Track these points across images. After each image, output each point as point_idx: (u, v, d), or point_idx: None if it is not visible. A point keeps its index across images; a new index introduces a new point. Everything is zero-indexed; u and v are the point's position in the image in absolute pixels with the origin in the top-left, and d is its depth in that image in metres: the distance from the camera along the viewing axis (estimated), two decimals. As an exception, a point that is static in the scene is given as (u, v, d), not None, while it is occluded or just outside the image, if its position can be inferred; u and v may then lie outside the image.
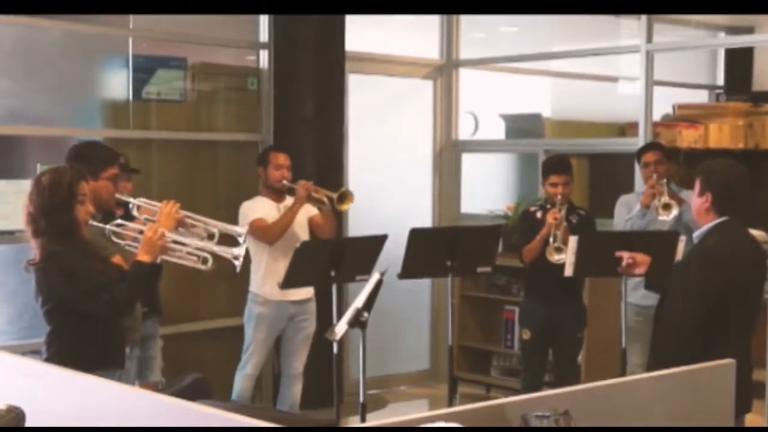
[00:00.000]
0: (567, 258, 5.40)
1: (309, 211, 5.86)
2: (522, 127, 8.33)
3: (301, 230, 5.78)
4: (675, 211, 5.58)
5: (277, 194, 5.82)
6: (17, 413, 2.18)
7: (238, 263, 4.30)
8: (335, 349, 4.98)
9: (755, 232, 4.88)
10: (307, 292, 5.85)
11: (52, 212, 3.63)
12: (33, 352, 3.77)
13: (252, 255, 5.59)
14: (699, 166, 4.56)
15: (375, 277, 4.65)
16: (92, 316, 3.73)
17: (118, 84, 6.44)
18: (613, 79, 8.61)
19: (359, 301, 4.56)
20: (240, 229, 4.67)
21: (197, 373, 4.25)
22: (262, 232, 5.61)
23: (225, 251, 4.21)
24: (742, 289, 4.06)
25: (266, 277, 5.74)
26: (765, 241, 5.77)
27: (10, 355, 2.97)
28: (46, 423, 2.37)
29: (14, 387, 2.43)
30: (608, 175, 7.80)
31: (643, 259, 4.76)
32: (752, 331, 4.23)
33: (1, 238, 5.68)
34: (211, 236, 4.37)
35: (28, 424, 2.22)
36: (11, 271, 5.20)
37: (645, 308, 5.46)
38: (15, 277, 5.01)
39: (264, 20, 6.87)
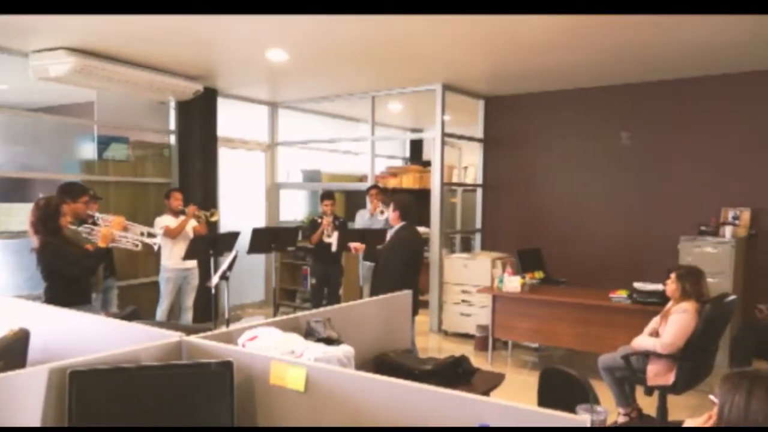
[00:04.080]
0: (333, 241, 5.85)
1: (192, 222, 5.84)
2: (310, 176, 8.46)
3: (188, 231, 5.76)
4: (385, 215, 5.66)
5: (175, 214, 5.76)
6: (25, 332, 2.18)
7: (156, 247, 4.84)
8: (213, 291, 5.19)
9: (421, 229, 5.29)
10: (192, 263, 5.81)
11: (45, 220, 3.68)
12: (35, 298, 3.69)
13: (162, 245, 5.49)
14: (394, 196, 5.28)
15: (233, 253, 5.03)
16: (71, 277, 3.76)
17: (89, 150, 6.46)
18: (356, 153, 8.81)
19: (225, 266, 4.96)
20: (157, 231, 5.23)
21: (134, 306, 4.15)
22: (169, 233, 5.62)
23: (149, 241, 4.69)
24: (417, 255, 4.54)
25: (169, 256, 5.75)
26: (425, 233, 6.57)
27: (22, 300, 2.87)
28: (43, 339, 2.27)
29: (24, 318, 2.34)
30: (354, 200, 7.98)
31: (360, 246, 4.92)
32: (419, 276, 4.65)
33: (18, 234, 5.68)
34: (142, 234, 4.87)
35: (32, 341, 2.19)
36: (23, 253, 4.60)
37: (370, 268, 5.48)
38: (25, 257, 4.60)
39: (172, 116, 6.87)
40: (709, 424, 1.61)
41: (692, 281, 3.76)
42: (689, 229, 5.95)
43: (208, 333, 2.04)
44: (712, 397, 1.59)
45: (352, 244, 5.04)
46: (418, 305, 4.60)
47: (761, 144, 5.91)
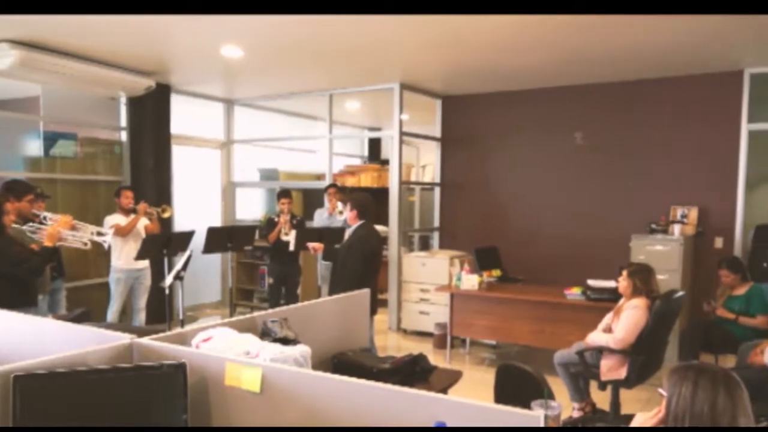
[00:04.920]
0: (291, 240, 5.68)
1: (144, 221, 5.74)
2: (268, 174, 8.37)
3: (140, 230, 5.69)
4: (345, 215, 5.22)
5: (126, 212, 5.66)
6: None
7: (106, 245, 4.70)
8: (167, 292, 5.17)
9: (380, 227, 5.27)
10: (144, 263, 5.71)
11: None
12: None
13: (112, 244, 5.38)
14: (351, 195, 5.04)
15: (188, 253, 4.97)
16: (15, 277, 3.68)
17: (34, 147, 6.33)
18: (314, 152, 8.83)
19: (179, 266, 4.86)
20: (107, 230, 4.96)
21: (83, 308, 4.32)
22: (119, 231, 5.48)
23: (98, 239, 4.54)
24: (375, 254, 4.48)
25: (120, 256, 5.64)
26: (384, 231, 6.63)
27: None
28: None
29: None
30: (312, 199, 7.86)
31: (319, 246, 4.97)
32: (378, 274, 4.64)
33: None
34: (92, 233, 4.65)
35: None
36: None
37: (328, 267, 5.60)
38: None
39: (123, 112, 6.75)
40: (659, 417, 1.66)
41: (643, 279, 3.85)
42: (640, 227, 6.15)
43: (161, 334, 2.02)
44: (660, 390, 1.64)
45: (311, 244, 5.05)
46: (377, 304, 4.58)
47: (708, 145, 6.14)
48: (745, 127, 5.94)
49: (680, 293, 4.02)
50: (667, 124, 6.34)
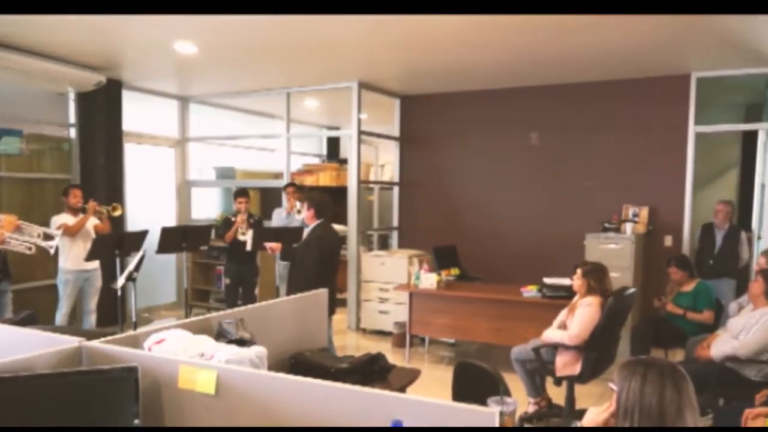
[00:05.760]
0: (248, 240, 5.58)
1: (94, 221, 5.62)
2: (224, 173, 8.26)
3: (90, 230, 5.57)
4: (302, 215, 5.26)
5: (74, 212, 5.53)
6: None
7: (52, 250, 4.65)
8: (119, 293, 5.11)
9: (337, 227, 5.30)
10: (94, 264, 5.58)
11: None
12: None
13: (60, 245, 5.23)
14: (308, 194, 5.06)
15: (141, 253, 4.93)
16: None
17: None
18: (272, 150, 8.58)
19: (132, 266, 4.81)
20: (55, 232, 4.99)
21: (30, 311, 4.08)
22: (67, 231, 5.36)
23: (44, 244, 4.48)
24: (333, 254, 4.54)
25: (68, 257, 5.51)
26: (342, 231, 6.54)
27: None
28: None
29: None
30: (270, 198, 7.82)
31: (276, 246, 4.84)
32: (336, 274, 4.71)
33: None
34: (39, 235, 4.66)
35: None
36: None
37: (286, 267, 5.31)
38: None
39: (72, 108, 6.58)
40: (610, 411, 1.71)
41: (596, 278, 3.94)
42: (594, 226, 6.31)
43: (111, 337, 1.97)
44: (611, 384, 1.69)
45: (268, 245, 4.98)
46: (336, 303, 4.60)
47: (658, 146, 6.34)
48: (692, 129, 6.16)
49: (632, 290, 4.14)
50: (619, 126, 6.52)
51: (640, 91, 6.38)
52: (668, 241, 6.32)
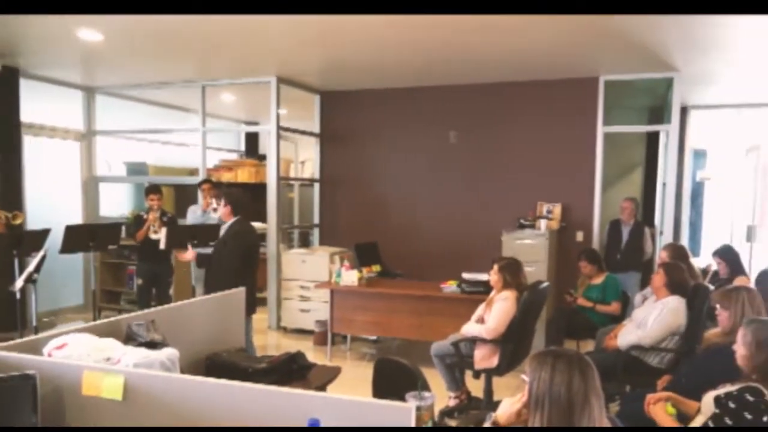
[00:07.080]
0: (161, 238, 5.29)
1: None
2: (136, 169, 8.07)
3: None
4: (218, 213, 5.01)
5: None
6: None
7: None
8: (17, 296, 4.81)
9: (257, 224, 5.45)
10: None
11: None
12: None
13: None
14: (226, 191, 4.93)
15: (41, 253, 4.72)
16: None
17: None
18: (187, 145, 8.24)
19: (31, 267, 4.63)
20: None
21: None
22: None
23: None
24: (252, 251, 4.51)
25: None
26: (262, 228, 6.59)
27: None
28: None
29: None
30: (185, 195, 7.68)
31: (191, 253, 4.63)
32: (256, 272, 4.64)
33: None
34: None
35: None
36: None
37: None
38: None
39: None
40: (522, 401, 1.78)
41: (512, 273, 4.07)
42: (511, 222, 6.53)
43: (8, 343, 1.89)
44: (523, 375, 1.76)
45: (181, 256, 4.85)
46: (255, 302, 4.58)
47: (569, 145, 6.65)
48: (600, 130, 6.50)
49: (545, 284, 4.32)
50: (533, 125, 6.79)
51: (553, 92, 6.66)
52: (580, 236, 6.64)
